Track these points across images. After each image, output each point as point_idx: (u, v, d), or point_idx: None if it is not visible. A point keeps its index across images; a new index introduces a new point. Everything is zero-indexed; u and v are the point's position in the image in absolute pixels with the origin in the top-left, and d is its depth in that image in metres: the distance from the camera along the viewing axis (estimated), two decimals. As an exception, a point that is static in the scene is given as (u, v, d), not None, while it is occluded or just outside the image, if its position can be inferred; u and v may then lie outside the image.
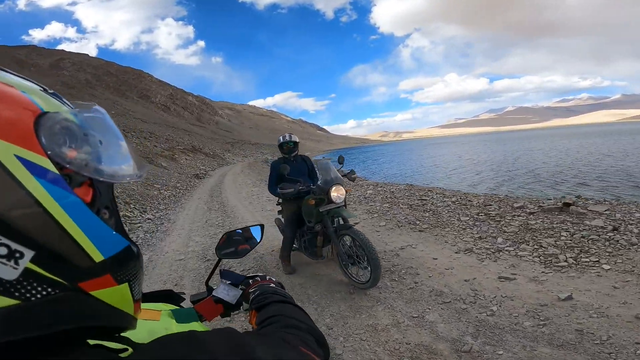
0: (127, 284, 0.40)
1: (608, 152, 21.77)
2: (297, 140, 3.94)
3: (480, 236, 4.37)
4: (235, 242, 0.97)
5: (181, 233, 6.24)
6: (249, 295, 0.80)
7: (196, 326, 0.72)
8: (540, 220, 4.61)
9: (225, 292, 0.85)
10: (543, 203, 5.50)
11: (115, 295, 0.38)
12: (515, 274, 3.26)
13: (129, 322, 0.43)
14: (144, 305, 0.63)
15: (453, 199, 6.52)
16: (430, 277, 3.41)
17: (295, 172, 3.78)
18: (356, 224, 4.24)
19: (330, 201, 3.24)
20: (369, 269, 2.98)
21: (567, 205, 4.96)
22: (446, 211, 5.73)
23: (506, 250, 3.83)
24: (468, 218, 5.18)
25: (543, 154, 26.45)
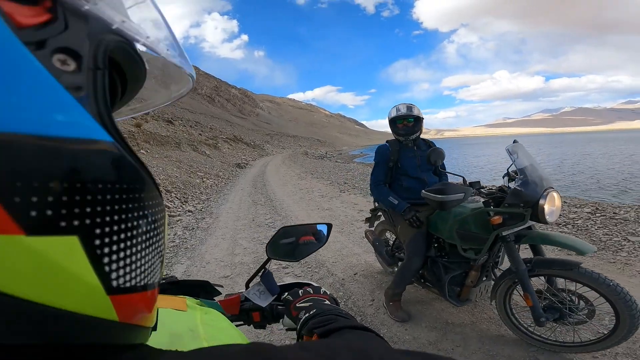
0: (76, 237, 0.17)
1: None
2: (421, 116, 2.44)
3: None
4: (292, 241, 0.80)
5: (225, 234, 5.07)
6: (295, 311, 0.62)
7: (224, 324, 0.53)
8: None
9: (257, 294, 0.77)
10: None
11: (25, 265, 0.15)
12: None
13: (99, 333, 0.20)
14: (167, 298, 0.53)
15: (586, 210, 4.72)
16: None
17: (413, 166, 2.37)
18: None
19: (537, 219, 1.77)
20: (619, 317, 1.64)
21: None
22: (593, 226, 4.00)
23: None
24: (641, 238, 3.46)
25: (610, 158, 22.80)
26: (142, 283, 0.22)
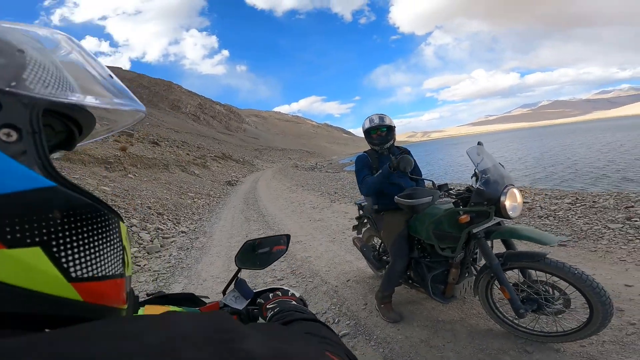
0: (39, 248, 0.27)
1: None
2: (393, 125, 2.57)
3: None
4: (258, 252, 0.93)
5: (220, 252, 5.10)
6: (266, 312, 0.73)
7: None
8: None
9: (233, 300, 0.85)
10: None
11: (9, 265, 0.25)
12: None
13: (69, 308, 0.29)
14: (153, 307, 0.65)
15: (567, 201, 4.92)
16: None
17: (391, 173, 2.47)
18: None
19: (501, 215, 1.90)
20: (591, 305, 1.71)
21: None
22: (574, 216, 4.18)
23: None
24: (621, 225, 3.64)
25: (588, 148, 23.53)
26: (100, 274, 0.31)
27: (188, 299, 0.84)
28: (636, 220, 3.66)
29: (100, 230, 0.31)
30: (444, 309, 2.51)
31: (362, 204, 3.03)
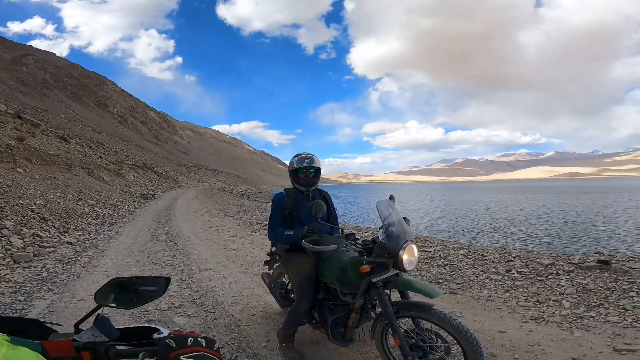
0: None
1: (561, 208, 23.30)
2: (320, 167, 2.58)
3: (537, 300, 3.44)
4: (129, 290, 0.86)
5: (109, 270, 4.41)
6: None
7: (30, 356, 0.58)
8: (589, 279, 3.85)
9: (92, 339, 0.74)
10: (573, 260, 4.73)
11: None
12: (630, 344, 2.47)
13: None
14: None
15: (462, 252, 5.54)
16: (516, 358, 2.40)
17: (307, 215, 2.39)
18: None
19: (398, 267, 1.99)
20: (465, 353, 1.87)
21: (605, 262, 4.29)
22: (465, 267, 4.69)
23: (589, 317, 3.00)
24: (501, 277, 4.19)
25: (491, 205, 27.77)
26: None
27: (33, 325, 0.76)
28: (513, 273, 4.26)
29: None
30: (344, 351, 2.48)
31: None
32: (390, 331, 2.00)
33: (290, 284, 2.93)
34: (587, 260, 4.64)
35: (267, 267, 3.08)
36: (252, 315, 3.12)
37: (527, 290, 3.72)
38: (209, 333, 2.75)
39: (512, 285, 3.89)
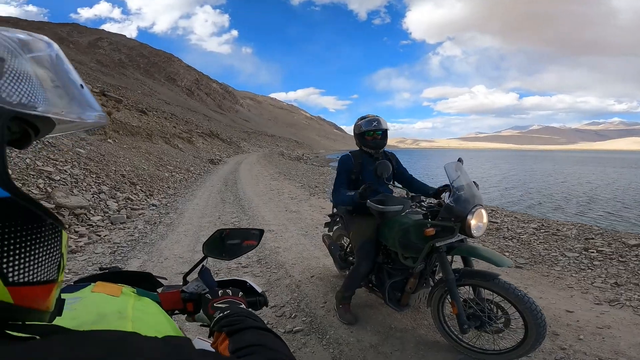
0: None
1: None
2: (387, 129, 2.51)
3: (616, 282, 3.11)
4: (228, 242, 0.89)
5: (188, 230, 5.01)
6: (212, 310, 0.68)
7: (154, 310, 0.65)
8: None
9: (195, 290, 0.82)
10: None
11: None
12: None
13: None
14: (105, 285, 0.64)
15: (533, 226, 5.08)
16: (580, 339, 2.24)
17: (373, 179, 2.39)
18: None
19: (466, 232, 1.92)
20: (527, 325, 1.80)
21: None
22: (536, 241, 4.32)
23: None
24: (577, 254, 3.80)
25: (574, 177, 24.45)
26: (33, 280, 0.32)
27: (144, 279, 0.82)
28: (592, 252, 3.82)
29: (43, 240, 0.33)
30: (398, 316, 2.55)
31: None
32: (449, 299, 1.98)
33: (350, 246, 3.01)
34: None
35: (327, 228, 3.15)
36: (311, 276, 3.33)
37: (606, 270, 3.36)
38: (271, 292, 3.02)
39: (590, 265, 3.53)
